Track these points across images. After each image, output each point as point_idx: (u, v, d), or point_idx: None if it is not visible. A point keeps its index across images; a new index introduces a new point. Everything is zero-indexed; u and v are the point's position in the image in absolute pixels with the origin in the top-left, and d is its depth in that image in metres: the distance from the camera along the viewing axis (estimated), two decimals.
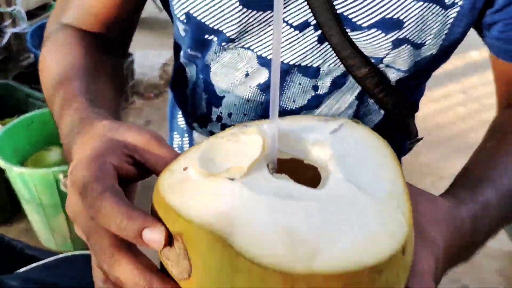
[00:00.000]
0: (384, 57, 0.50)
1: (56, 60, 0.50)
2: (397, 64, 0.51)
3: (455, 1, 0.46)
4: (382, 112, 0.57)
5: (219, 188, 0.25)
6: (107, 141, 0.32)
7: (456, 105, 2.76)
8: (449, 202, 0.36)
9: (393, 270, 0.24)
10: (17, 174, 1.51)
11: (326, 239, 0.23)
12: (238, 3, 0.46)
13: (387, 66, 0.51)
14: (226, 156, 0.27)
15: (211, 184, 0.26)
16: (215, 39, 0.51)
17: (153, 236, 0.26)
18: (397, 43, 0.48)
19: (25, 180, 1.52)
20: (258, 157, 0.26)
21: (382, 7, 0.46)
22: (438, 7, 0.46)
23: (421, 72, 0.55)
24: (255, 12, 0.47)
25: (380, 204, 0.25)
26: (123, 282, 0.28)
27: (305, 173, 0.27)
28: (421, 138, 0.71)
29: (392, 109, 0.56)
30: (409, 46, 0.48)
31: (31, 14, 2.20)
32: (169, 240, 0.26)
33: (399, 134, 0.65)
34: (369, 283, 0.23)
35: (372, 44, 0.48)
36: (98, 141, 0.32)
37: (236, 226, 0.23)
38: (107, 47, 0.55)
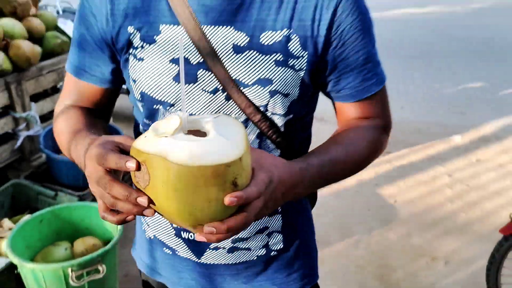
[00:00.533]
0: (267, 104, 0.76)
1: (66, 123, 0.82)
2: (277, 110, 0.77)
3: (302, 67, 0.75)
4: (279, 151, 0.82)
5: (160, 139, 0.55)
6: (105, 139, 0.62)
7: (443, 187, 2.89)
8: (285, 161, 0.68)
9: (236, 167, 0.54)
10: (29, 270, 1.57)
11: (206, 153, 0.53)
12: (173, 80, 0.76)
13: (272, 113, 0.78)
14: (164, 128, 0.56)
15: (157, 138, 0.55)
16: (161, 107, 0.79)
17: (131, 164, 0.55)
18: (272, 94, 0.75)
19: (36, 275, 1.58)
20: (177, 127, 0.56)
21: (258, 71, 0.74)
22: (292, 70, 0.75)
23: (298, 115, 0.82)
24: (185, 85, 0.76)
25: (231, 142, 0.55)
26: (116, 196, 0.57)
27: (202, 135, 0.57)
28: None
29: (286, 148, 0.82)
30: (280, 95, 0.76)
31: (44, 118, 2.39)
32: (139, 167, 0.55)
33: None
34: (224, 171, 0.53)
35: (257, 95, 0.75)
36: (100, 139, 0.62)
37: (168, 152, 0.53)
38: (97, 115, 0.88)
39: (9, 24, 2.22)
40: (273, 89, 0.74)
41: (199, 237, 0.59)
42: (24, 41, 2.19)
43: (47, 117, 2.42)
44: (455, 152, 3.31)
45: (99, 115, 0.89)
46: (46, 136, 2.30)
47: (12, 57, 2.15)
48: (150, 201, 0.56)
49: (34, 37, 2.32)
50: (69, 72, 0.86)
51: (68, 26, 2.51)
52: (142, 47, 0.77)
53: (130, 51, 0.78)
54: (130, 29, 0.77)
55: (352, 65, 0.77)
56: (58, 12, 3.42)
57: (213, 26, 0.74)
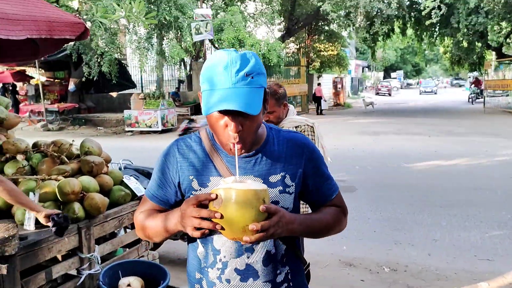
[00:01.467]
0: None
1: (142, 216, 1.41)
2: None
3: (293, 191, 1.34)
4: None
5: (226, 184, 1.17)
6: (187, 201, 1.21)
7: None
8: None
9: (264, 193, 1.16)
10: None
11: (249, 186, 1.15)
12: None
13: None
14: (227, 181, 1.20)
15: (225, 183, 1.18)
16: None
17: (213, 195, 1.14)
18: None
19: None
20: (233, 180, 1.19)
21: (270, 197, 1.25)
22: (288, 194, 1.34)
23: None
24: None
25: (260, 184, 1.25)
26: (202, 216, 1.14)
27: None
28: (309, 263, 1.52)
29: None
30: (283, 209, 1.24)
31: (103, 259, 2.77)
32: (216, 197, 1.14)
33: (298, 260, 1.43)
34: (258, 194, 1.13)
35: None
36: (185, 203, 1.21)
37: (231, 186, 1.14)
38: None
39: (86, 180, 2.77)
40: (280, 206, 1.28)
41: (245, 238, 1.11)
42: (96, 194, 2.70)
43: (106, 258, 2.80)
44: None
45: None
46: (104, 275, 2.64)
47: (86, 207, 2.64)
48: (221, 216, 1.11)
49: (104, 190, 2.85)
50: (146, 196, 1.44)
51: (131, 181, 3.04)
52: (200, 189, 1.33)
53: (192, 191, 1.34)
54: (191, 177, 1.34)
55: (320, 183, 1.40)
56: (120, 169, 4.06)
57: (243, 176, 1.30)
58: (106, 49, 16.33)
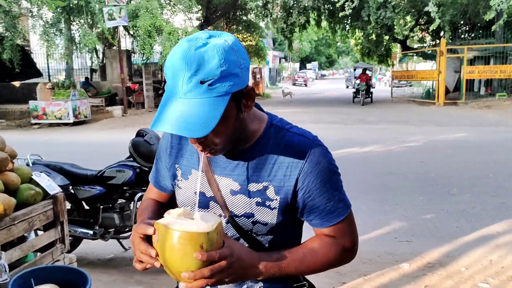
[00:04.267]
0: (252, 229, 1.14)
1: (141, 208, 1.33)
2: (259, 232, 1.14)
3: (275, 207, 1.11)
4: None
5: (169, 218, 1.00)
6: (145, 220, 1.10)
7: None
8: (249, 249, 1.10)
9: (203, 237, 0.95)
10: None
11: (188, 226, 0.96)
12: (194, 205, 1.10)
13: (256, 234, 1.14)
14: (174, 213, 1.02)
15: (168, 217, 1.01)
16: None
17: (149, 230, 1.00)
18: (254, 223, 1.13)
19: None
20: (180, 213, 1.02)
21: (244, 208, 1.12)
22: (268, 208, 1.11)
23: (279, 236, 1.16)
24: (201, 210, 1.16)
25: (205, 224, 0.97)
26: (141, 251, 1.01)
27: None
28: (305, 284, 1.24)
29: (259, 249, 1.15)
30: (260, 224, 1.12)
31: (12, 267, 2.45)
32: (154, 232, 1.00)
33: (287, 280, 1.19)
34: (195, 237, 0.94)
35: (244, 223, 1.13)
36: (144, 220, 1.10)
37: (169, 224, 0.97)
38: (163, 206, 1.33)
39: None
40: (255, 220, 1.13)
41: (181, 285, 0.99)
42: (0, 194, 2.37)
43: (15, 265, 2.48)
44: (405, 280, 3.53)
45: (165, 206, 1.33)
46: (14, 284, 2.33)
47: None
48: (157, 255, 0.99)
49: (9, 189, 2.51)
50: (150, 180, 1.37)
51: (42, 178, 2.72)
52: (181, 180, 1.22)
53: (176, 180, 1.24)
54: (177, 166, 1.23)
55: (317, 204, 1.12)
56: (28, 165, 3.66)
57: (220, 176, 1.15)
58: (6, 34, 14.89)
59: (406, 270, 3.69)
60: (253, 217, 1.12)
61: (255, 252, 1.08)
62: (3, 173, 2.55)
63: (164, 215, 1.03)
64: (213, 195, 1.15)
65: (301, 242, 1.20)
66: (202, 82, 0.93)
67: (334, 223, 1.13)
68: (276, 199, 1.11)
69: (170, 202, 1.34)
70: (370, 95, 21.92)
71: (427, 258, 3.93)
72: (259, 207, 1.11)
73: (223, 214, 1.15)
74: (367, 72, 23.18)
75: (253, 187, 1.11)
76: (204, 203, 1.16)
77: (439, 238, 4.41)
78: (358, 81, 22.03)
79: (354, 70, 32.42)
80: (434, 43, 23.70)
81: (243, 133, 1.10)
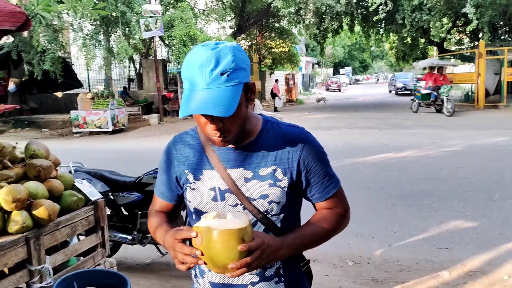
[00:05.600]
0: (267, 209, 1.31)
1: (153, 221, 1.46)
2: (273, 211, 1.31)
3: (285, 186, 1.32)
4: (271, 233, 1.32)
5: (207, 221, 1.16)
6: (177, 228, 1.27)
7: None
8: (273, 235, 1.28)
9: (242, 231, 1.13)
10: None
11: (227, 224, 1.13)
12: (211, 200, 1.33)
13: (270, 215, 1.32)
14: (209, 217, 1.19)
15: (205, 220, 1.17)
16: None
17: (193, 233, 1.15)
18: (269, 203, 1.31)
19: None
20: (214, 216, 1.18)
21: (259, 190, 1.30)
22: (279, 188, 1.31)
23: (287, 214, 1.35)
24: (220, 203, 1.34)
25: (240, 220, 1.15)
26: (185, 253, 1.16)
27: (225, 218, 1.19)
28: (308, 260, 1.48)
29: (276, 233, 1.31)
30: (274, 203, 1.31)
31: (55, 270, 2.55)
32: (197, 235, 1.15)
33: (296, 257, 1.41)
34: (236, 232, 1.12)
35: (260, 204, 1.30)
36: (175, 229, 1.27)
37: (210, 225, 1.14)
38: (169, 216, 1.50)
39: (33, 186, 2.54)
40: (270, 200, 1.31)
41: (227, 275, 1.16)
42: (45, 200, 2.48)
43: (58, 269, 2.58)
44: None
45: (171, 216, 1.51)
46: (57, 287, 2.43)
47: (34, 215, 2.41)
48: (202, 254, 1.13)
49: (54, 196, 2.62)
50: (155, 193, 1.52)
51: (84, 185, 2.83)
52: (194, 182, 1.37)
53: (187, 184, 1.38)
54: (186, 172, 1.39)
55: (316, 180, 1.36)
56: (70, 172, 3.80)
57: (232, 168, 1.33)
58: (48, 47, 15.54)
59: (446, 278, 3.59)
60: (268, 197, 1.31)
61: (277, 237, 1.26)
62: (48, 180, 2.66)
63: (201, 219, 1.20)
64: (227, 187, 1.31)
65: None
66: (221, 74, 1.16)
67: (331, 194, 1.38)
68: (284, 179, 1.32)
69: (174, 211, 1.53)
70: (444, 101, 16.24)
71: (468, 266, 3.81)
72: (271, 187, 1.31)
73: (239, 203, 1.31)
74: (442, 69, 17.46)
75: (264, 171, 1.32)
76: (221, 196, 1.32)
77: (480, 245, 4.27)
78: (423, 83, 17.36)
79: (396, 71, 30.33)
80: (472, 45, 22.98)
81: (247, 126, 1.32)
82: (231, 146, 1.33)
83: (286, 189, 1.32)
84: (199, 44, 1.22)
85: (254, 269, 1.18)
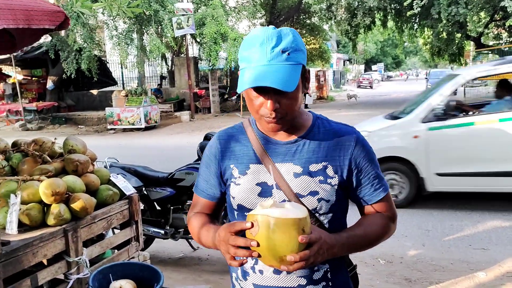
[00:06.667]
0: (316, 207, 1.24)
1: (196, 222, 1.38)
2: (322, 210, 1.25)
3: (335, 184, 1.25)
4: None
5: (264, 209, 1.07)
6: (227, 223, 1.16)
7: None
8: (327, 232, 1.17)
9: (304, 221, 1.05)
10: None
11: (288, 213, 1.05)
12: (257, 196, 1.25)
13: (319, 214, 1.25)
14: (265, 205, 1.10)
15: (262, 209, 1.08)
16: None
17: (248, 224, 1.06)
18: (319, 200, 1.23)
19: None
20: (272, 203, 1.10)
21: (309, 187, 1.23)
22: (329, 185, 1.24)
23: (335, 215, 1.27)
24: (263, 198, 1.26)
25: (300, 209, 1.08)
26: (239, 244, 1.08)
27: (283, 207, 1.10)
28: (355, 265, 1.42)
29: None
30: (324, 201, 1.23)
31: (92, 262, 2.63)
32: (252, 225, 1.06)
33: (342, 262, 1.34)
34: (298, 222, 1.04)
35: (310, 202, 1.23)
36: (225, 224, 1.16)
37: (269, 213, 1.05)
38: (212, 217, 1.42)
39: (71, 180, 2.61)
40: (319, 197, 1.24)
41: (283, 267, 1.06)
42: (83, 194, 2.55)
43: (94, 261, 2.66)
44: None
45: (212, 217, 1.42)
46: (94, 279, 2.50)
47: (72, 208, 2.49)
48: (258, 245, 1.05)
49: (90, 190, 2.70)
50: (195, 193, 1.44)
51: (119, 180, 2.90)
52: (239, 177, 1.30)
53: (232, 179, 1.32)
54: (232, 166, 1.32)
55: (367, 181, 1.29)
56: (105, 167, 3.90)
57: (281, 163, 1.27)
58: (84, 46, 15.97)
59: (482, 279, 3.49)
60: (318, 194, 1.24)
61: (332, 234, 1.17)
62: (85, 175, 2.74)
63: (257, 207, 1.11)
64: (275, 182, 1.23)
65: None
66: (282, 52, 1.14)
67: (381, 197, 1.30)
68: (335, 177, 1.25)
69: (215, 212, 1.44)
70: None
71: (506, 267, 3.69)
72: (322, 184, 1.24)
73: (287, 199, 1.23)
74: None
75: (314, 167, 1.25)
76: (267, 192, 1.25)
77: None
78: None
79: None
80: (511, 39, 22.16)
81: (298, 119, 1.28)
82: (280, 139, 1.29)
83: (336, 187, 1.26)
84: (257, 27, 1.20)
85: (310, 265, 1.10)
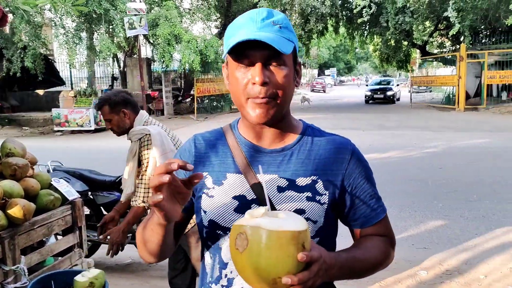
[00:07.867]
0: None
1: (140, 230, 1.13)
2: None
3: (325, 202, 1.07)
4: None
5: (254, 219, 0.86)
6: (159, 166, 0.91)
7: None
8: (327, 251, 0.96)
9: (304, 235, 0.85)
10: None
11: (285, 224, 0.84)
12: (233, 211, 1.06)
13: None
14: (256, 214, 0.88)
15: (252, 218, 0.87)
16: (221, 232, 1.08)
17: (177, 164, 0.86)
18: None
19: None
20: (264, 212, 0.88)
21: (295, 204, 1.05)
22: (318, 203, 1.07)
23: (323, 239, 1.09)
24: (241, 215, 1.03)
25: (299, 220, 0.88)
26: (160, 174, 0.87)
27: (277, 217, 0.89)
28: None
29: None
30: (310, 222, 1.05)
31: (31, 270, 2.51)
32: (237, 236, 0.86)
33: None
34: (297, 236, 0.83)
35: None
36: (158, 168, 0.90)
37: (261, 224, 0.83)
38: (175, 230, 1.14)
39: (8, 185, 2.49)
40: (306, 216, 1.05)
41: None
42: (21, 200, 2.44)
43: (34, 269, 2.54)
44: (423, 287, 3.49)
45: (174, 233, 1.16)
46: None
47: (9, 214, 2.37)
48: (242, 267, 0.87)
49: (29, 195, 2.58)
50: None
51: (61, 184, 2.79)
52: (213, 187, 1.10)
53: (204, 190, 1.12)
54: (206, 174, 1.12)
55: (362, 201, 1.12)
56: (48, 171, 3.75)
57: (265, 174, 1.08)
58: (29, 43, 15.30)
59: (423, 278, 3.65)
60: (304, 213, 1.05)
61: (331, 252, 1.00)
62: (24, 179, 2.62)
63: (245, 216, 0.90)
64: (255, 197, 1.07)
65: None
66: (274, 24, 1.02)
67: (379, 219, 1.14)
68: (325, 194, 1.08)
69: (177, 228, 1.18)
70: None
71: (446, 265, 3.88)
72: (309, 202, 1.07)
73: None
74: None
75: (302, 181, 1.08)
76: (245, 207, 1.05)
77: (458, 245, 4.34)
78: None
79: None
80: (454, 48, 23.36)
81: (285, 126, 1.14)
82: (265, 147, 1.12)
83: (326, 206, 1.08)
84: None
85: None
